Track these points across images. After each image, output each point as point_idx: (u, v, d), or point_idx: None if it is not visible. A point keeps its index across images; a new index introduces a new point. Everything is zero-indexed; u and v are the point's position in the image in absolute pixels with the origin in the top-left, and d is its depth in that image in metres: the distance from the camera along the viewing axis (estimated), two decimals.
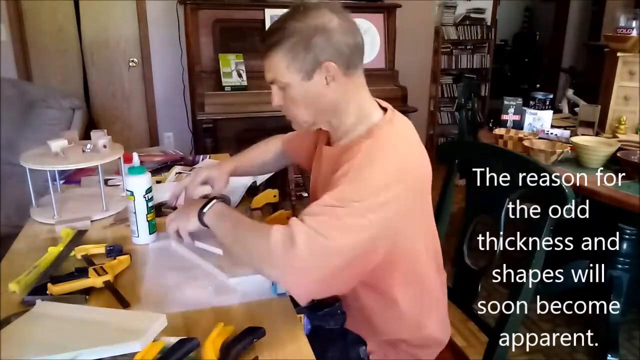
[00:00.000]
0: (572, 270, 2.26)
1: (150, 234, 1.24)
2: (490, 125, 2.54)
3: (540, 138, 2.19)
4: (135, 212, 1.20)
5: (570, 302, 2.36)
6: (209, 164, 1.82)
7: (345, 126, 1.04)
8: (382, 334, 1.07)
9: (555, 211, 0.99)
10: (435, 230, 1.11)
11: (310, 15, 0.95)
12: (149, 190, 1.22)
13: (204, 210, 1.02)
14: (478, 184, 1.23)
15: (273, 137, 1.40)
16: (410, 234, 1.00)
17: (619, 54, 2.23)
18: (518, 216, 1.15)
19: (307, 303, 0.91)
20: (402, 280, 1.03)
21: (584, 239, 2.33)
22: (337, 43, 0.95)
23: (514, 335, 1.13)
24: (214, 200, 1.03)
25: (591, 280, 2.21)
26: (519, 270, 1.06)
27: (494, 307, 1.15)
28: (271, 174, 1.61)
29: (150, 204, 1.22)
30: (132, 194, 1.19)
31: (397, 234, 0.96)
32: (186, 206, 1.12)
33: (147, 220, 1.22)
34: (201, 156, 1.94)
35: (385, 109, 1.05)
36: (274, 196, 1.31)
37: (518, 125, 2.40)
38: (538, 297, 2.34)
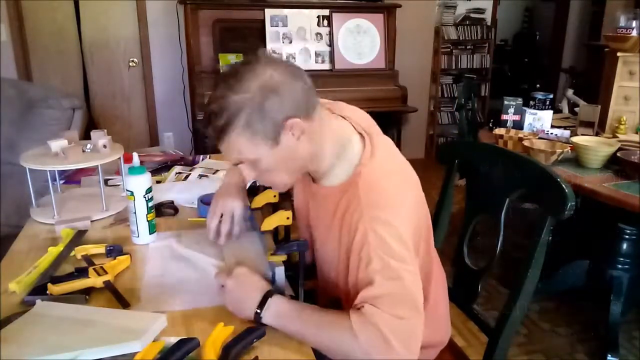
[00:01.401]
0: (572, 270, 2.27)
1: (150, 233, 1.24)
2: (490, 125, 2.54)
3: (540, 138, 2.18)
4: (135, 212, 1.20)
5: (570, 302, 2.37)
6: (210, 163, 1.82)
7: (325, 167, 0.99)
8: None
9: (555, 211, 0.98)
10: (431, 233, 1.11)
11: (247, 80, 0.87)
12: (149, 190, 1.22)
13: (261, 315, 0.90)
14: (478, 184, 1.23)
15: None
16: (419, 261, 1.01)
17: (619, 54, 2.23)
18: (518, 216, 1.14)
19: None
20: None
21: (584, 239, 2.34)
22: (290, 98, 0.88)
23: (513, 335, 1.12)
24: (268, 301, 0.91)
25: (591, 280, 2.21)
26: (519, 271, 1.05)
27: (494, 307, 1.15)
28: None
29: (150, 204, 1.22)
30: (132, 194, 1.19)
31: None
32: (238, 295, 0.94)
33: (147, 220, 1.22)
34: (201, 156, 1.94)
35: (360, 133, 1.00)
36: (274, 196, 1.30)
37: (518, 125, 2.40)
38: (538, 297, 2.35)
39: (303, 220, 1.16)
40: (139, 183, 1.20)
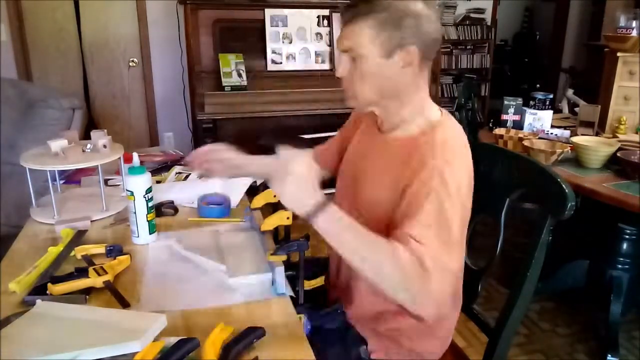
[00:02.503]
0: (572, 270, 2.27)
1: (150, 234, 1.24)
2: (490, 125, 2.54)
3: (540, 138, 2.18)
4: (135, 212, 1.20)
5: (570, 302, 2.37)
6: None
7: (401, 115, 1.03)
8: (387, 333, 1.08)
9: (555, 211, 0.98)
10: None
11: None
12: (149, 190, 1.22)
13: (317, 214, 0.87)
14: (478, 184, 1.23)
15: None
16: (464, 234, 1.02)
17: (619, 54, 2.23)
18: (518, 216, 1.14)
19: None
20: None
21: (584, 239, 2.34)
22: (424, 31, 0.95)
23: (513, 335, 1.12)
24: (328, 203, 0.88)
25: (591, 280, 2.21)
26: (519, 271, 1.05)
27: (494, 307, 1.15)
28: None
29: (150, 204, 1.22)
30: (132, 194, 1.19)
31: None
32: (301, 185, 0.88)
33: (147, 220, 1.22)
34: None
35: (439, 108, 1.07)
36: (274, 196, 1.30)
37: (518, 125, 2.40)
38: (538, 297, 2.35)
39: (350, 168, 1.15)
40: (139, 183, 1.20)
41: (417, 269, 0.83)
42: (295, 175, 0.86)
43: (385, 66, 0.97)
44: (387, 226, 0.95)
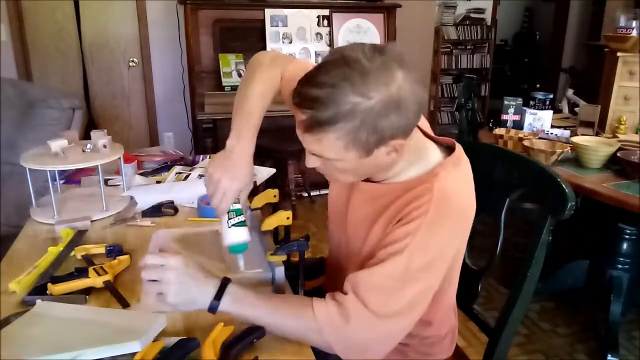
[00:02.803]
0: (572, 270, 2.27)
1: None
2: (490, 125, 2.54)
3: (540, 138, 2.18)
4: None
5: (570, 302, 2.37)
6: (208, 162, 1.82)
7: (391, 174, 0.92)
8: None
9: (555, 211, 0.98)
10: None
11: (376, 83, 0.74)
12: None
13: (218, 307, 0.84)
14: (478, 184, 1.23)
15: (267, 73, 1.07)
16: (454, 277, 1.00)
17: (619, 54, 2.23)
18: (518, 216, 1.14)
19: None
20: (436, 314, 1.02)
21: (584, 239, 2.34)
22: (408, 114, 0.78)
23: (513, 335, 1.12)
24: (227, 288, 0.85)
25: (591, 280, 2.21)
26: (519, 271, 1.05)
27: (494, 307, 1.14)
28: (271, 174, 1.62)
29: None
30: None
31: (445, 281, 0.92)
32: (185, 288, 0.84)
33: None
34: (201, 156, 1.94)
35: (448, 147, 0.95)
36: (274, 196, 1.30)
37: (518, 125, 2.40)
38: (538, 297, 2.35)
39: (337, 215, 1.08)
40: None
41: (332, 321, 0.81)
42: (174, 282, 0.82)
43: (366, 161, 0.83)
44: (365, 259, 0.92)
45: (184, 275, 0.84)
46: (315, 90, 0.76)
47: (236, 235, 0.99)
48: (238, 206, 1.00)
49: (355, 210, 1.00)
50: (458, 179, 0.89)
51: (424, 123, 1.00)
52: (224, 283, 0.86)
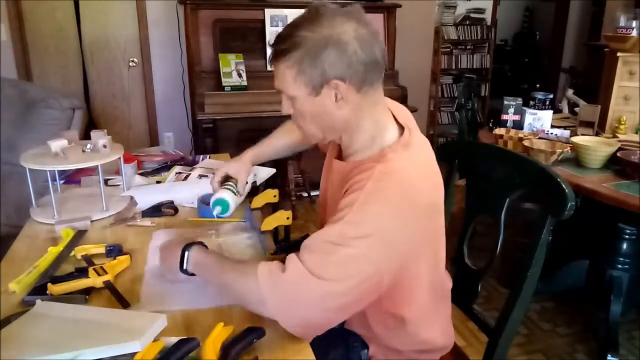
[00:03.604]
0: (572, 270, 2.27)
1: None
2: (490, 125, 2.54)
3: (540, 138, 2.18)
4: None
5: (570, 302, 2.37)
6: (211, 163, 1.82)
7: (357, 144, 0.97)
8: (385, 342, 1.06)
9: (555, 211, 0.98)
10: (444, 241, 1.06)
11: (323, 23, 0.87)
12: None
13: (184, 266, 0.99)
14: (478, 184, 1.23)
15: (290, 121, 1.27)
16: (419, 259, 0.96)
17: (619, 54, 2.23)
18: (518, 216, 1.14)
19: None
20: (408, 300, 1.00)
21: (584, 239, 2.34)
22: (350, 59, 0.87)
23: (514, 335, 1.12)
24: (186, 252, 0.99)
25: (591, 280, 2.21)
26: (519, 271, 1.05)
27: (494, 307, 1.14)
28: (271, 174, 1.62)
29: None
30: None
31: (405, 263, 0.91)
32: (167, 259, 1.04)
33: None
34: (201, 156, 1.94)
35: (403, 127, 0.98)
36: (274, 196, 1.30)
37: (518, 125, 2.40)
38: (538, 297, 2.35)
39: (321, 198, 1.15)
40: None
41: (270, 274, 0.85)
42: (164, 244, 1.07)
43: (317, 103, 0.91)
44: None
45: (166, 246, 1.06)
46: (281, 33, 0.91)
47: (221, 193, 1.24)
48: (232, 183, 1.28)
49: (331, 191, 1.05)
50: (406, 161, 0.91)
51: (399, 109, 1.05)
52: (184, 250, 0.99)
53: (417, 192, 0.90)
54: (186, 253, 0.98)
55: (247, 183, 1.33)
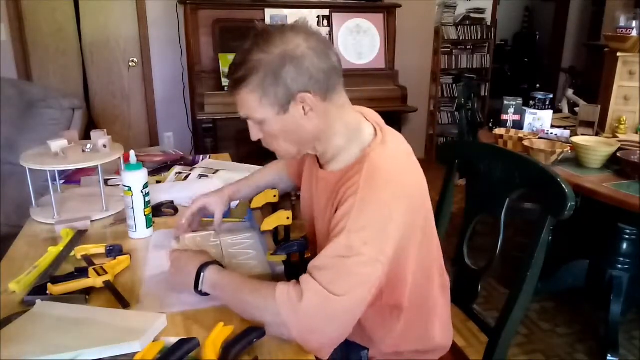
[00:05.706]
0: (572, 270, 2.27)
1: (147, 228, 1.26)
2: (490, 125, 2.54)
3: (540, 138, 2.18)
4: (132, 207, 1.22)
5: (570, 302, 2.37)
6: (210, 163, 1.82)
7: (334, 149, 0.98)
8: (383, 346, 1.06)
9: (555, 211, 0.98)
10: (437, 237, 1.08)
11: (275, 42, 0.88)
12: (146, 185, 1.24)
13: (200, 287, 0.96)
14: (478, 184, 1.23)
15: (275, 161, 1.35)
16: (414, 252, 0.97)
17: (619, 54, 2.23)
18: (518, 216, 1.14)
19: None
20: (404, 296, 1.00)
21: (584, 239, 2.34)
22: (309, 70, 0.88)
23: (514, 335, 1.12)
24: (202, 273, 0.96)
25: (591, 280, 2.21)
26: (519, 271, 1.05)
27: (494, 307, 1.14)
28: None
29: (147, 199, 1.24)
30: (129, 189, 1.22)
31: (402, 256, 0.93)
32: (179, 275, 1.01)
33: (145, 215, 1.24)
34: (201, 156, 1.94)
35: (373, 125, 1.00)
36: (274, 196, 1.30)
37: (518, 125, 2.40)
38: (538, 297, 2.35)
39: (307, 210, 1.13)
40: (136, 178, 1.22)
41: (289, 300, 0.84)
42: (175, 257, 1.02)
43: (286, 121, 0.92)
44: None
45: (179, 260, 1.02)
46: (235, 61, 0.92)
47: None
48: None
49: (318, 202, 1.04)
50: (387, 156, 0.93)
51: (366, 110, 1.06)
52: (199, 271, 0.96)
53: (405, 184, 0.93)
54: (202, 274, 0.96)
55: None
